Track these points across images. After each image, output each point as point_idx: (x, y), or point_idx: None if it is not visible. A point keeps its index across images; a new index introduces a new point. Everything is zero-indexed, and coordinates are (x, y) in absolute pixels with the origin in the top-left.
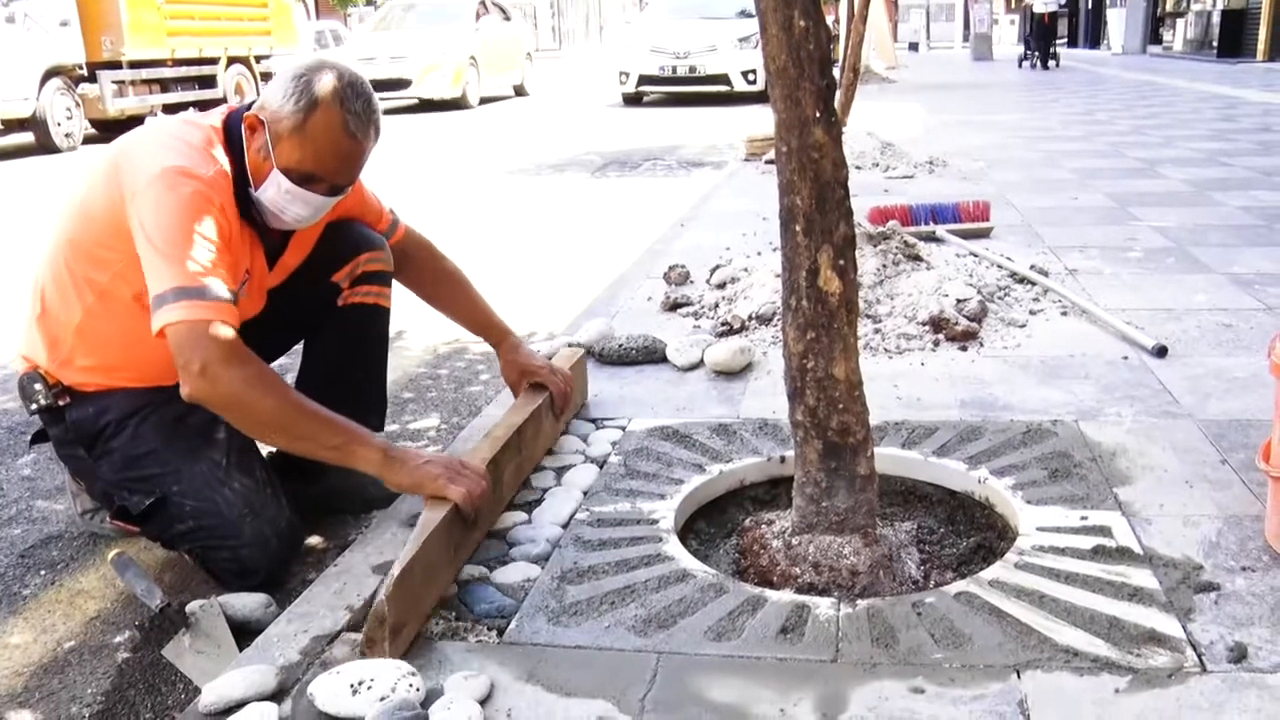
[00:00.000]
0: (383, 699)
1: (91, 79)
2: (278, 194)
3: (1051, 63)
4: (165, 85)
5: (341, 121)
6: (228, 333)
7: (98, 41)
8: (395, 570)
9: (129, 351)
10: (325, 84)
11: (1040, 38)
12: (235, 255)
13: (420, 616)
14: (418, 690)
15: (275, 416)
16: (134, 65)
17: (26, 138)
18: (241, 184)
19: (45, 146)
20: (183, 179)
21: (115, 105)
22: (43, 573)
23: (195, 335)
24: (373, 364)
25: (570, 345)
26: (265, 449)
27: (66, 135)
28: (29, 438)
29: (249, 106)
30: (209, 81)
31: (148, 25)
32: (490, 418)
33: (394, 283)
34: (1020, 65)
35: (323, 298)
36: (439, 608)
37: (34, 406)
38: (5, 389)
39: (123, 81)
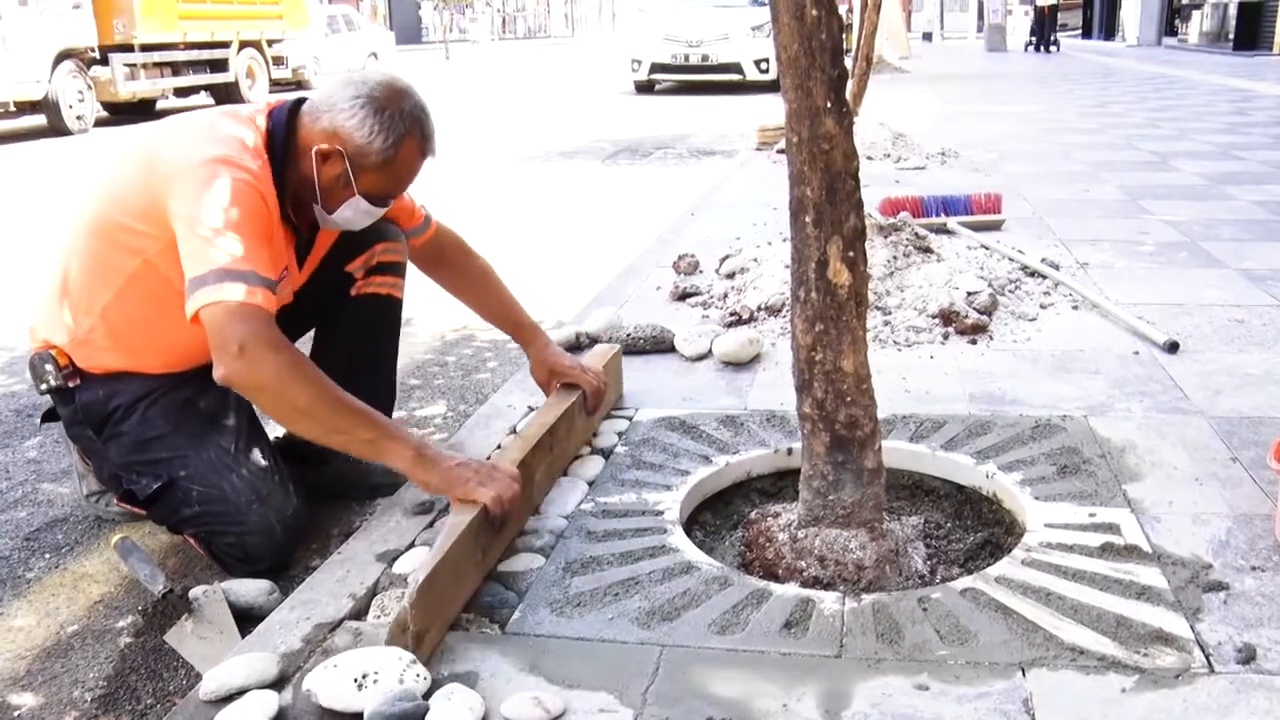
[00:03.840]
0: (388, 689)
1: (103, 62)
2: (354, 214)
3: (1053, 48)
4: (176, 69)
5: (422, 150)
6: (266, 317)
7: (110, 24)
8: (420, 576)
9: (154, 336)
10: (407, 116)
11: (1042, 25)
12: (275, 249)
13: (445, 621)
14: (424, 679)
15: (310, 405)
16: (146, 48)
17: (39, 120)
18: (280, 181)
19: (57, 129)
20: (227, 167)
21: (127, 88)
22: (47, 556)
23: (236, 317)
24: (384, 354)
25: (609, 344)
26: (272, 432)
27: (78, 118)
28: (39, 416)
29: (296, 105)
30: (220, 65)
31: (160, 8)
32: (496, 405)
33: (423, 276)
34: (1026, 50)
35: (337, 287)
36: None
37: (44, 386)
38: (12, 371)
39: (134, 64)
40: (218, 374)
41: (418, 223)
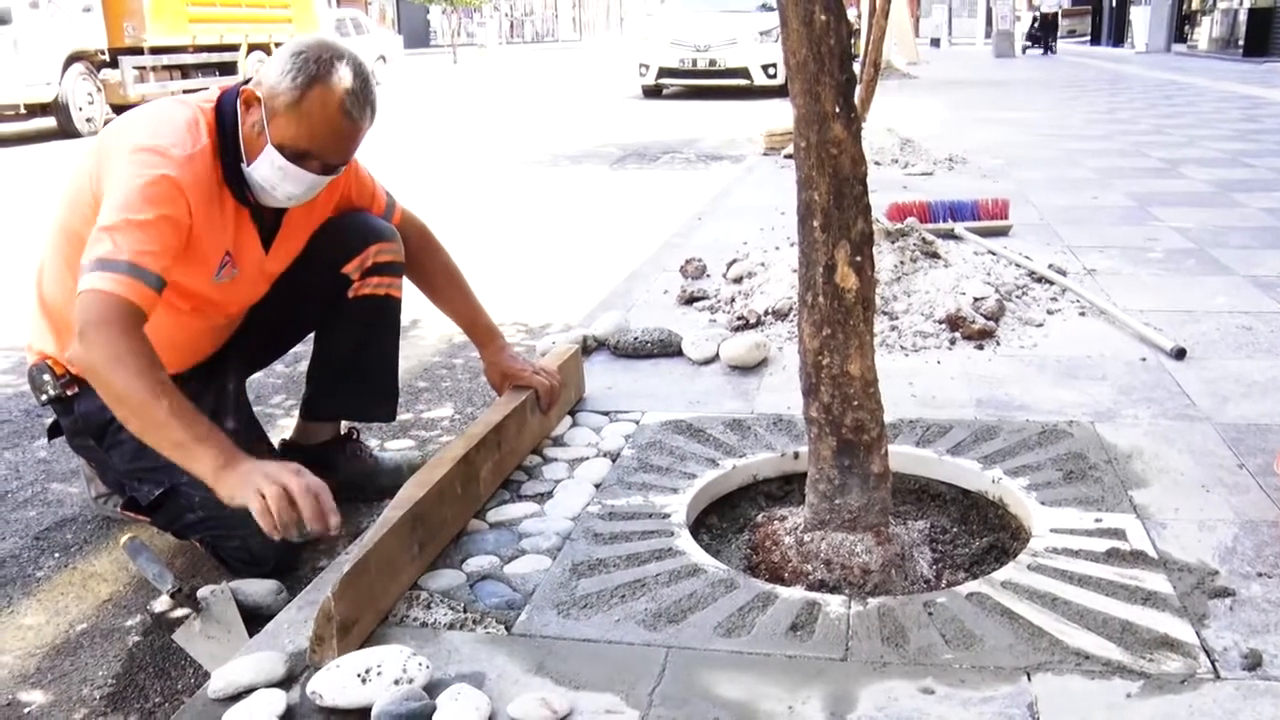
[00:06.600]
0: (396, 682)
1: (113, 64)
2: (270, 170)
3: (1050, 51)
4: (186, 71)
5: (339, 100)
6: (124, 307)
7: (120, 27)
8: (345, 567)
9: None
10: (323, 62)
11: (1043, 29)
12: (209, 234)
13: (377, 613)
14: (425, 667)
15: (128, 395)
16: (155, 51)
17: (49, 122)
18: (231, 162)
19: (67, 131)
20: (147, 155)
21: (136, 91)
22: (56, 555)
23: (93, 302)
24: (384, 354)
25: (568, 343)
26: (275, 435)
27: (88, 120)
28: (46, 430)
29: (245, 83)
30: (230, 68)
31: (169, 11)
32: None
33: None
34: (1025, 51)
35: (334, 289)
36: (446, 598)
37: (44, 398)
38: (20, 372)
39: (144, 67)
40: (64, 354)
41: (379, 210)
